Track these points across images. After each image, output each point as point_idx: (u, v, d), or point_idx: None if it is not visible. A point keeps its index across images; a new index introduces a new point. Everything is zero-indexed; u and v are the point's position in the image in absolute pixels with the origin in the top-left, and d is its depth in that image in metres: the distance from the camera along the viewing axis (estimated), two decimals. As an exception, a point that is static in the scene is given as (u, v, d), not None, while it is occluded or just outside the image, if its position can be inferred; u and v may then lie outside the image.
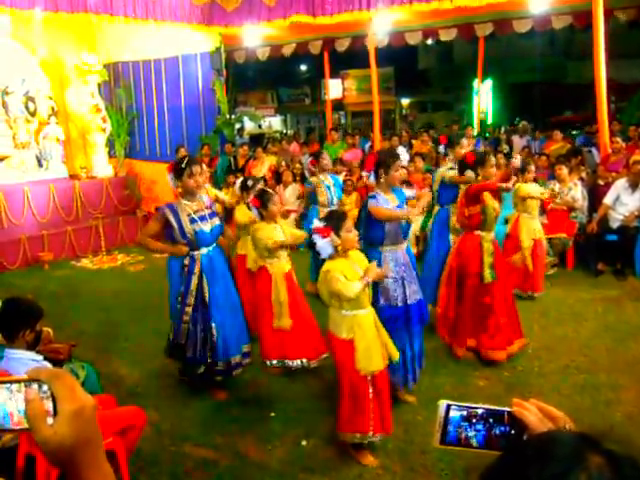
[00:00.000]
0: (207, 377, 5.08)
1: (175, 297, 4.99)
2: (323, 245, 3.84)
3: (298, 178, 11.06)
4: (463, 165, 5.88)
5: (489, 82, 21.23)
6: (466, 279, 5.59)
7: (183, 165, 4.90)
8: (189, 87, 12.73)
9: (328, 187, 7.53)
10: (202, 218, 4.96)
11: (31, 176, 10.80)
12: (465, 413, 1.14)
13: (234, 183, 10.99)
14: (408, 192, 5.23)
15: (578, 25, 11.74)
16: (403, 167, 9.45)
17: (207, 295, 4.95)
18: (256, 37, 12.71)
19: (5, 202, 10.06)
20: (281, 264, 5.37)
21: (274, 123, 27.01)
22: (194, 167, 4.88)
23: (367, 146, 13.43)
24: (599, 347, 5.82)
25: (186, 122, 12.87)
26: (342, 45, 13.80)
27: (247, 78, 24.46)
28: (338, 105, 23.49)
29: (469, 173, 5.77)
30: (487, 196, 5.46)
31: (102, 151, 12.27)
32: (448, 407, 1.15)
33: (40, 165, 11.07)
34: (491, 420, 1.13)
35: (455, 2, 9.78)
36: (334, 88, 21.48)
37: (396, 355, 4.10)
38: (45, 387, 0.94)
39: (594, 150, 10.51)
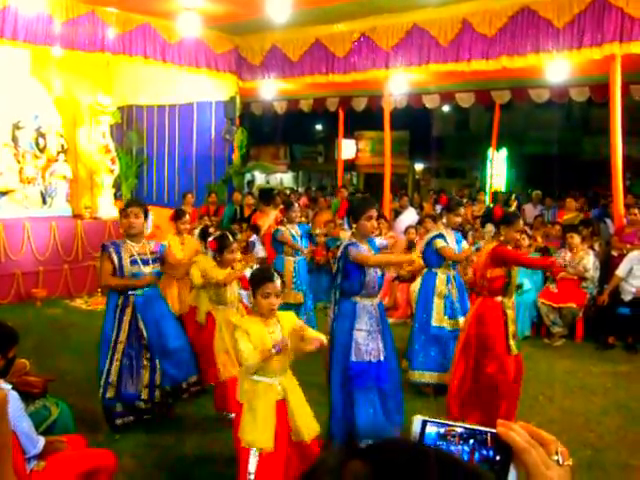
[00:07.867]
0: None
1: (108, 335, 5.11)
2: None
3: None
4: (487, 218, 5.38)
5: (504, 151, 21.29)
6: (486, 351, 5.04)
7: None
8: (202, 135, 12.74)
9: (294, 237, 7.69)
10: (144, 261, 5.19)
11: (33, 212, 10.60)
12: (442, 430, 1.00)
13: (240, 231, 10.75)
14: (380, 241, 4.99)
15: (595, 98, 11.70)
16: (411, 227, 9.33)
17: (144, 334, 5.10)
18: (273, 90, 12.76)
19: (4, 236, 9.82)
20: (229, 311, 5.26)
21: (285, 180, 27.11)
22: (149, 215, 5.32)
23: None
24: (608, 424, 5.44)
25: (196, 169, 12.81)
26: (359, 104, 13.82)
27: (261, 133, 24.68)
28: (351, 166, 23.57)
29: (489, 227, 5.28)
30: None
31: (108, 192, 12.10)
32: (424, 423, 1.01)
33: (44, 202, 10.88)
34: (471, 441, 0.98)
35: (472, 66, 9.75)
36: (348, 148, 21.60)
37: (308, 437, 3.70)
38: None
39: (608, 221, 10.27)
